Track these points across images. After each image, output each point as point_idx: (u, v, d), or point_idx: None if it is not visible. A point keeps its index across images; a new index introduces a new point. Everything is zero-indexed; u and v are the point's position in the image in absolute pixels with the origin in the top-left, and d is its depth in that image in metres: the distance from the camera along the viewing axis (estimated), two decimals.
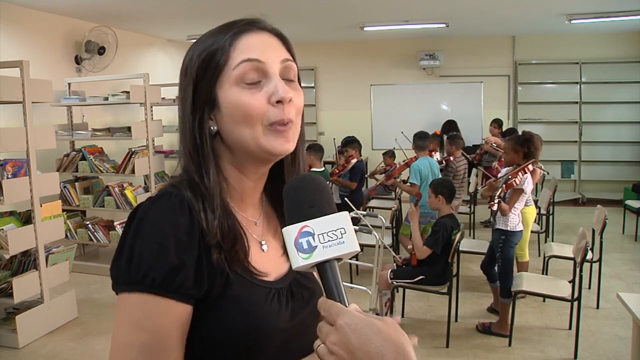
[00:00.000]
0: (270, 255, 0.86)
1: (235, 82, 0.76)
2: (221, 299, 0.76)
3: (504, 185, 3.53)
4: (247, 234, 0.82)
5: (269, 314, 0.79)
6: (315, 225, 0.65)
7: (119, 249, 0.74)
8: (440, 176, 4.64)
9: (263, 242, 0.87)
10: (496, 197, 3.46)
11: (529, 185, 3.56)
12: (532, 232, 4.42)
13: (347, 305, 0.62)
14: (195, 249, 0.74)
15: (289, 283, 0.85)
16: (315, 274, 0.73)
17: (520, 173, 3.51)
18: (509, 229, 3.52)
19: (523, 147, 3.60)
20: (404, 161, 5.14)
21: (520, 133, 4.04)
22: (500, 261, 3.54)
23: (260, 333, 0.77)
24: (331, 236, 0.64)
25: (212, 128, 0.79)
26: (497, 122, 6.82)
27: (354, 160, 5.37)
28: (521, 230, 3.61)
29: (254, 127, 0.76)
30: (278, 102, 0.76)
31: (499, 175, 3.96)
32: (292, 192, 0.69)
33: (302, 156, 0.90)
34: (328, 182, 4.61)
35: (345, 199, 3.90)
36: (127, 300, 0.72)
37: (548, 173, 6.17)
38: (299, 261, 0.64)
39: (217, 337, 0.76)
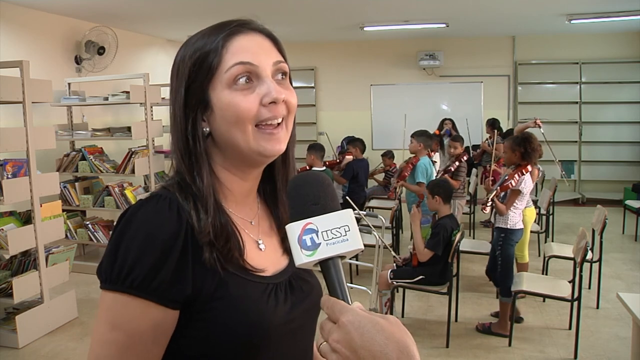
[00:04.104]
0: (267, 253, 0.86)
1: (227, 85, 0.77)
2: (215, 298, 0.75)
3: (498, 188, 3.52)
4: (242, 234, 0.82)
5: (265, 309, 0.78)
6: (319, 222, 0.64)
7: (106, 249, 0.75)
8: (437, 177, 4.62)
9: (260, 242, 0.87)
10: (489, 200, 3.46)
11: (527, 186, 3.55)
12: (532, 232, 4.42)
13: (350, 303, 0.62)
14: (180, 251, 0.73)
15: (288, 277, 0.85)
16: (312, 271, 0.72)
17: (517, 175, 3.51)
18: (508, 226, 3.52)
19: (520, 147, 3.59)
20: (405, 161, 5.12)
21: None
22: (500, 259, 3.54)
23: (257, 329, 0.76)
24: (335, 233, 0.64)
25: (204, 129, 0.80)
26: (491, 125, 6.64)
27: (350, 157, 5.38)
28: (521, 229, 3.60)
29: (245, 129, 0.77)
30: (271, 103, 0.77)
31: (501, 172, 3.96)
32: (295, 189, 0.69)
33: (292, 156, 0.90)
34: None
35: (347, 197, 3.89)
36: (108, 299, 0.73)
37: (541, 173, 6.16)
38: (303, 258, 0.63)
39: (214, 336, 0.75)
